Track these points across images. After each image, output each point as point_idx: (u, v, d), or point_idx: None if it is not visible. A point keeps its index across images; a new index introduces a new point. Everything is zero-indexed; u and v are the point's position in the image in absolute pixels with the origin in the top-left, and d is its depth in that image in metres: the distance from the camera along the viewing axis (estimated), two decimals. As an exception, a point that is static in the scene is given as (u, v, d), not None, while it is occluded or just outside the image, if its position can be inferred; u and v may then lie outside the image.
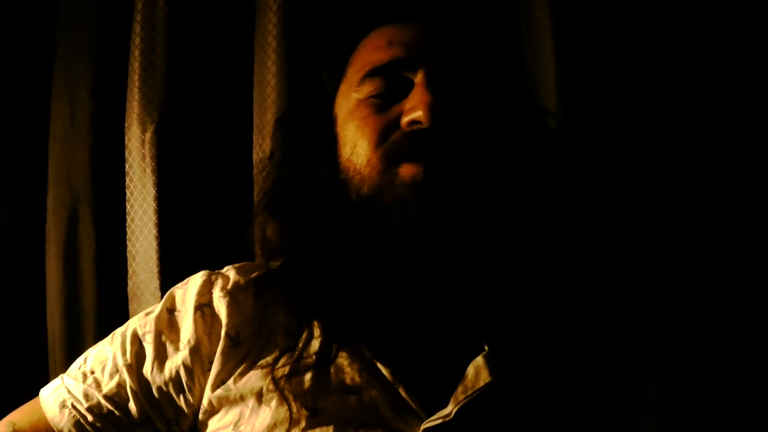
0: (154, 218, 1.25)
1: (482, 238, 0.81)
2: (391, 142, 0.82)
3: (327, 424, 0.78)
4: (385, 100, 0.85)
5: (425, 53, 0.85)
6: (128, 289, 1.28)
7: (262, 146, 1.23)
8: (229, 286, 0.92)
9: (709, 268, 1.20)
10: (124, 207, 1.29)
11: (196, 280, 0.94)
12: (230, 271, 0.95)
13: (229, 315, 0.89)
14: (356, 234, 0.82)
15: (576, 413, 0.79)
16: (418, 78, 0.83)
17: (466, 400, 0.77)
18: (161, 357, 0.90)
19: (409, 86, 0.84)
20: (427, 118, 0.79)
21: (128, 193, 1.28)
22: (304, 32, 1.22)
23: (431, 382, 0.79)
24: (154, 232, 1.25)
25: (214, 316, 0.90)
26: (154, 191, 1.25)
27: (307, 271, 0.85)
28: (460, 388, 0.78)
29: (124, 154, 1.29)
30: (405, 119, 0.81)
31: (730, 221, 1.22)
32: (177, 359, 0.89)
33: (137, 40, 1.28)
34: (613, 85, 1.23)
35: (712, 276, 1.20)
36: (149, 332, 0.92)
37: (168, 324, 0.92)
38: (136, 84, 1.27)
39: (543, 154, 0.90)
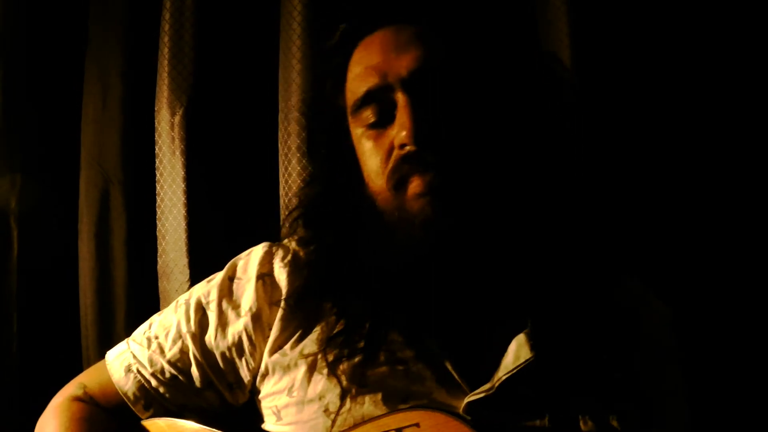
0: (183, 198, 1.30)
1: (502, 229, 0.85)
2: (391, 169, 0.86)
3: (375, 392, 0.83)
4: (380, 127, 0.88)
5: (397, 74, 0.86)
6: (158, 266, 1.33)
7: (287, 129, 1.26)
8: (289, 257, 0.96)
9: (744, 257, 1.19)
10: (154, 188, 1.33)
11: (258, 251, 0.98)
12: (291, 243, 0.99)
13: (289, 284, 0.93)
14: (389, 232, 0.87)
15: (606, 392, 0.83)
16: (399, 100, 0.86)
17: (508, 375, 0.80)
18: (223, 323, 0.94)
19: (395, 105, 0.87)
20: (411, 140, 0.83)
21: (158, 175, 1.33)
22: (328, 18, 1.25)
23: (475, 357, 0.83)
24: (183, 212, 1.30)
25: (275, 284, 0.94)
26: (183, 173, 1.30)
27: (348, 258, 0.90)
28: (502, 364, 0.81)
29: (153, 136, 1.33)
30: (396, 145, 0.86)
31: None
32: (239, 325, 0.93)
33: (167, 27, 1.32)
34: (628, 67, 1.23)
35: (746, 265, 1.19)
36: (212, 300, 0.96)
37: (228, 291, 0.96)
38: (166, 69, 1.32)
39: (552, 137, 0.92)
